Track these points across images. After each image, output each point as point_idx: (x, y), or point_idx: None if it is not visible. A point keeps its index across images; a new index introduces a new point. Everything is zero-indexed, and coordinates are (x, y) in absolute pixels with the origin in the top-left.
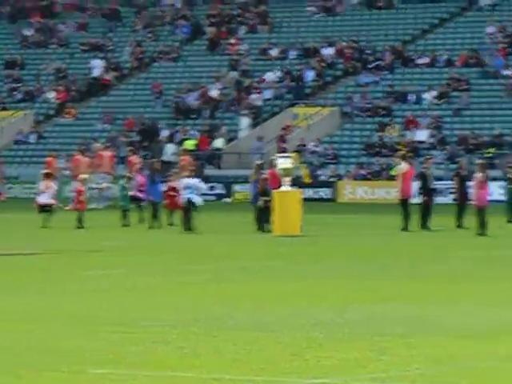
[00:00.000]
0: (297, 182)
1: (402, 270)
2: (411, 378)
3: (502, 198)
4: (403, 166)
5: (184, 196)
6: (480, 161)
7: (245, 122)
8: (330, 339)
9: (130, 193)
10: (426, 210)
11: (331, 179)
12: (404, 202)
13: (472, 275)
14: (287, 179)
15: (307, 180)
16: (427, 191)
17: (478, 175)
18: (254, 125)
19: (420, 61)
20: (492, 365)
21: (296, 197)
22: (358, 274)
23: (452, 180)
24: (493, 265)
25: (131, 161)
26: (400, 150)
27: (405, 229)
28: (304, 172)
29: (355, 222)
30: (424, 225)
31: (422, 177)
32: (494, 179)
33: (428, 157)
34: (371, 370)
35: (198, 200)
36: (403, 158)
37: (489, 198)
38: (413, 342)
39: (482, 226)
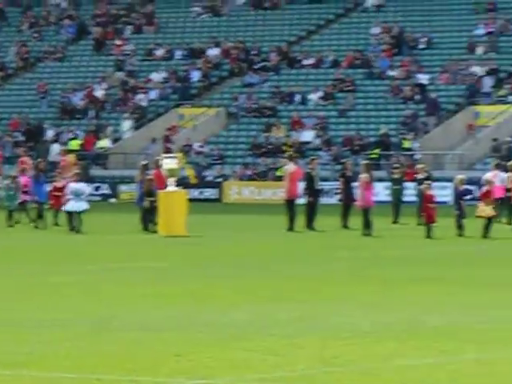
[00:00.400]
0: (182, 183)
1: (287, 270)
2: (297, 378)
3: (388, 198)
4: (290, 167)
5: (69, 202)
6: (365, 162)
7: (127, 124)
8: (215, 340)
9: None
10: (311, 210)
11: (217, 180)
12: (290, 203)
13: (357, 276)
14: (172, 180)
15: (193, 181)
16: (313, 192)
17: (363, 176)
18: (140, 125)
19: (306, 61)
20: (375, 366)
21: (181, 197)
22: (244, 275)
23: (337, 181)
24: (378, 265)
25: (23, 161)
26: (286, 150)
27: (290, 229)
28: (189, 173)
29: (241, 222)
30: (309, 225)
31: (308, 177)
32: (380, 180)
33: (313, 157)
34: (257, 371)
35: (81, 206)
36: (290, 158)
37: (374, 198)
38: (298, 343)
39: (367, 226)
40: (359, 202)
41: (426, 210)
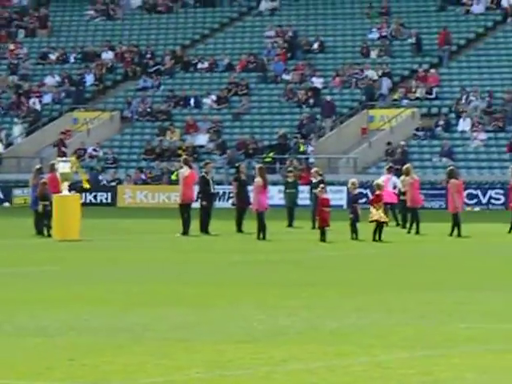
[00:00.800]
0: (76, 187)
1: (181, 274)
2: (191, 382)
3: (282, 202)
4: (185, 171)
5: None
6: (259, 165)
7: (18, 129)
8: (110, 344)
9: None
10: (205, 214)
11: (111, 183)
12: (184, 207)
13: (252, 280)
14: (66, 184)
15: (86, 185)
16: (207, 196)
17: (257, 180)
18: (34, 129)
19: (200, 65)
20: (270, 369)
21: (75, 201)
22: (137, 279)
23: (231, 184)
24: (273, 269)
25: None
26: (181, 154)
27: (185, 233)
28: (83, 177)
29: (135, 226)
30: (204, 229)
31: (203, 181)
32: (274, 184)
33: (208, 161)
34: (151, 375)
35: None
36: (185, 162)
37: (268, 202)
38: (193, 347)
39: (262, 230)
40: (254, 205)
41: (320, 213)
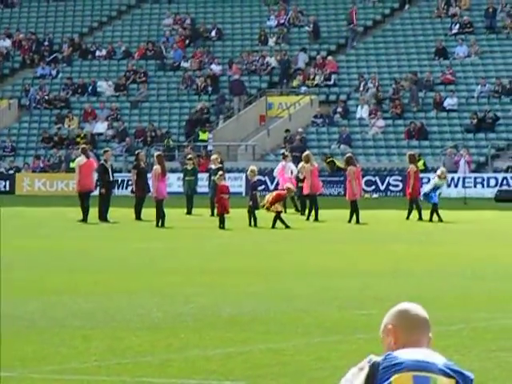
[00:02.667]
0: None
1: (79, 262)
2: (90, 369)
3: (181, 189)
4: (81, 159)
5: None
6: (158, 153)
7: None
8: (7, 332)
9: None
10: (104, 201)
11: (9, 171)
12: (82, 195)
13: (152, 267)
14: None
15: None
16: (106, 183)
17: (156, 167)
18: None
19: (98, 53)
20: (168, 356)
21: None
22: (35, 266)
23: (130, 172)
24: (173, 256)
25: None
26: (79, 142)
27: (84, 220)
28: None
29: (34, 214)
30: (102, 217)
31: (102, 169)
32: (173, 171)
33: (107, 149)
34: (49, 363)
35: None
36: (83, 151)
37: (167, 189)
38: (91, 334)
39: (161, 218)
40: (152, 193)
41: (219, 200)
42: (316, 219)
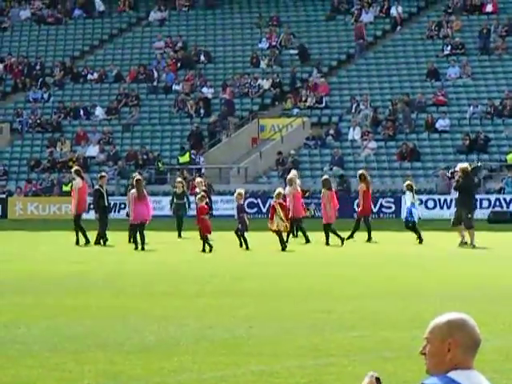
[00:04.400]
0: None
1: (70, 286)
2: None
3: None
4: (78, 182)
5: None
6: (138, 177)
7: None
8: (0, 356)
9: None
10: (100, 226)
11: (1, 196)
12: (77, 218)
13: (140, 290)
14: None
15: None
16: (102, 208)
17: (133, 191)
18: None
19: (90, 76)
20: (161, 380)
21: None
22: (28, 290)
23: (123, 195)
24: (160, 280)
25: None
26: (72, 166)
27: (77, 243)
28: None
29: (28, 238)
30: (98, 241)
31: (97, 194)
32: (165, 194)
33: (103, 174)
34: None
35: None
36: (77, 173)
37: (156, 212)
38: (84, 358)
39: (140, 241)
40: (130, 217)
41: (200, 221)
42: (307, 241)
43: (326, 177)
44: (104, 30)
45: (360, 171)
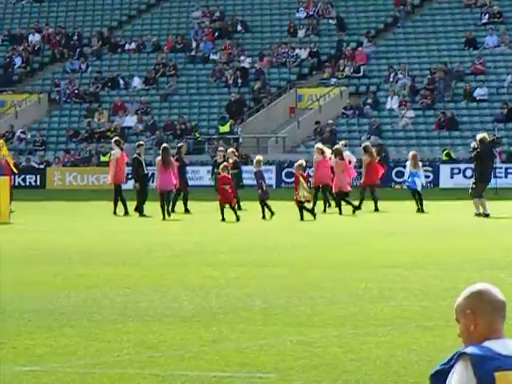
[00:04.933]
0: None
1: (110, 256)
2: (122, 363)
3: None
4: (117, 152)
5: None
6: (164, 145)
7: None
8: (39, 326)
9: None
10: (140, 195)
11: (40, 166)
12: (117, 187)
13: (176, 260)
14: None
15: (14, 169)
16: (141, 177)
17: (158, 159)
18: None
19: (127, 46)
20: (200, 349)
21: (4, 184)
22: (67, 261)
23: None
24: (199, 251)
25: None
26: (109, 136)
27: (114, 213)
28: (10, 160)
29: (66, 208)
30: (138, 210)
31: (136, 163)
32: (203, 164)
33: (141, 143)
34: (81, 357)
35: None
36: (117, 143)
37: (196, 182)
38: (122, 328)
39: (162, 208)
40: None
41: (220, 191)
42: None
43: (337, 146)
44: (141, 0)
45: (364, 143)
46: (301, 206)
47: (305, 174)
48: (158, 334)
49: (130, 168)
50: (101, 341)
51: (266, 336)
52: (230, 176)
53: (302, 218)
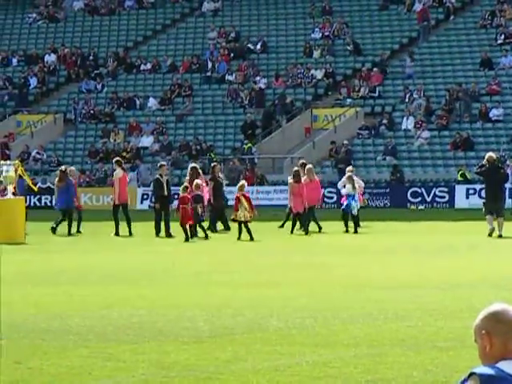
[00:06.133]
0: (22, 190)
1: (126, 276)
2: (137, 383)
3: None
4: (119, 172)
5: None
6: (116, 158)
7: None
8: (54, 347)
9: None
10: (158, 216)
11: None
12: (117, 207)
13: (195, 280)
14: (11, 187)
15: (33, 188)
16: (161, 198)
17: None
18: None
19: (143, 67)
20: (215, 370)
21: (19, 204)
22: (80, 281)
23: (178, 186)
24: (217, 269)
25: None
26: (125, 156)
27: (117, 234)
28: (29, 180)
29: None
30: (158, 232)
31: (157, 184)
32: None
33: (163, 163)
34: (97, 377)
35: None
36: (118, 164)
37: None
38: (137, 348)
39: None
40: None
41: (180, 211)
42: (319, 230)
43: (296, 168)
44: (157, 21)
45: (295, 168)
46: (245, 225)
47: (247, 195)
48: (174, 355)
49: (147, 188)
50: (116, 361)
51: (282, 356)
52: (189, 196)
53: (239, 238)
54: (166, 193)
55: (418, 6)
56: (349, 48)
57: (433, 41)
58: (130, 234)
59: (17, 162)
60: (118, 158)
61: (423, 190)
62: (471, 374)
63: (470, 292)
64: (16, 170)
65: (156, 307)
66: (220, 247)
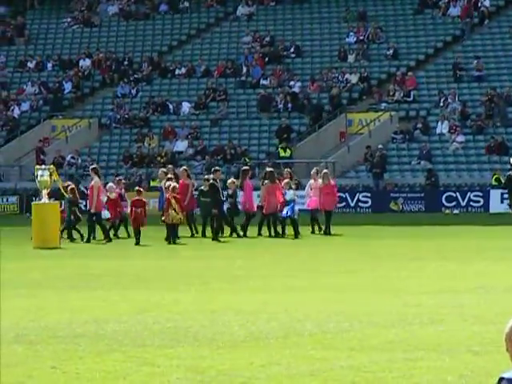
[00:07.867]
0: (57, 195)
1: (160, 280)
2: None
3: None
4: (97, 180)
5: None
6: (93, 166)
7: None
8: (89, 351)
9: None
10: (217, 222)
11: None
12: (95, 215)
13: (228, 286)
14: (45, 191)
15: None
16: (219, 203)
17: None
18: (12, 137)
19: (178, 71)
20: (250, 374)
21: (54, 209)
22: (116, 286)
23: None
24: (247, 275)
25: None
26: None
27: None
28: (61, 185)
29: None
30: (215, 238)
31: (214, 189)
32: (255, 189)
33: (217, 168)
34: (132, 381)
35: None
36: (95, 171)
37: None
38: (172, 353)
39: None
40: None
41: (133, 215)
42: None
43: (269, 169)
44: (192, 25)
45: (267, 169)
46: (174, 227)
47: (178, 197)
48: (209, 359)
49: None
50: (151, 365)
51: (317, 361)
52: (143, 200)
53: (167, 239)
54: (221, 196)
55: (452, 10)
56: (388, 52)
57: (467, 45)
58: (128, 235)
59: (51, 166)
60: (94, 166)
61: (458, 194)
62: (500, 380)
63: (505, 296)
64: (51, 175)
65: (190, 312)
66: (252, 251)
